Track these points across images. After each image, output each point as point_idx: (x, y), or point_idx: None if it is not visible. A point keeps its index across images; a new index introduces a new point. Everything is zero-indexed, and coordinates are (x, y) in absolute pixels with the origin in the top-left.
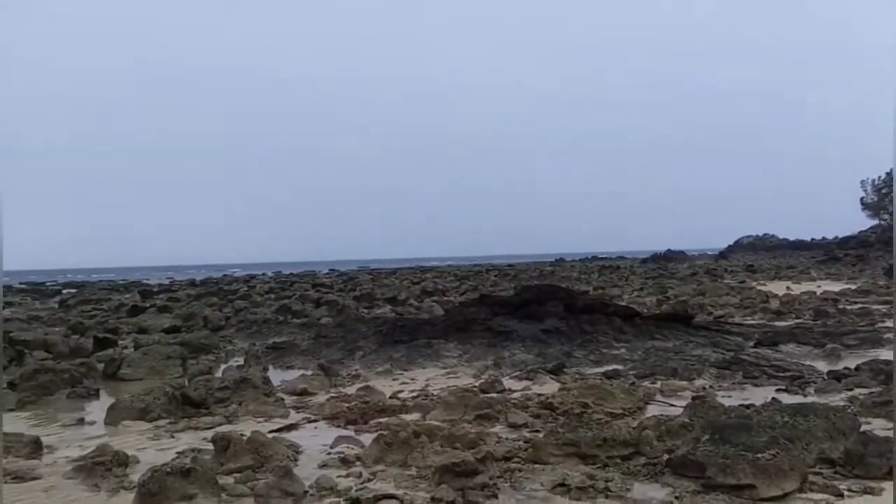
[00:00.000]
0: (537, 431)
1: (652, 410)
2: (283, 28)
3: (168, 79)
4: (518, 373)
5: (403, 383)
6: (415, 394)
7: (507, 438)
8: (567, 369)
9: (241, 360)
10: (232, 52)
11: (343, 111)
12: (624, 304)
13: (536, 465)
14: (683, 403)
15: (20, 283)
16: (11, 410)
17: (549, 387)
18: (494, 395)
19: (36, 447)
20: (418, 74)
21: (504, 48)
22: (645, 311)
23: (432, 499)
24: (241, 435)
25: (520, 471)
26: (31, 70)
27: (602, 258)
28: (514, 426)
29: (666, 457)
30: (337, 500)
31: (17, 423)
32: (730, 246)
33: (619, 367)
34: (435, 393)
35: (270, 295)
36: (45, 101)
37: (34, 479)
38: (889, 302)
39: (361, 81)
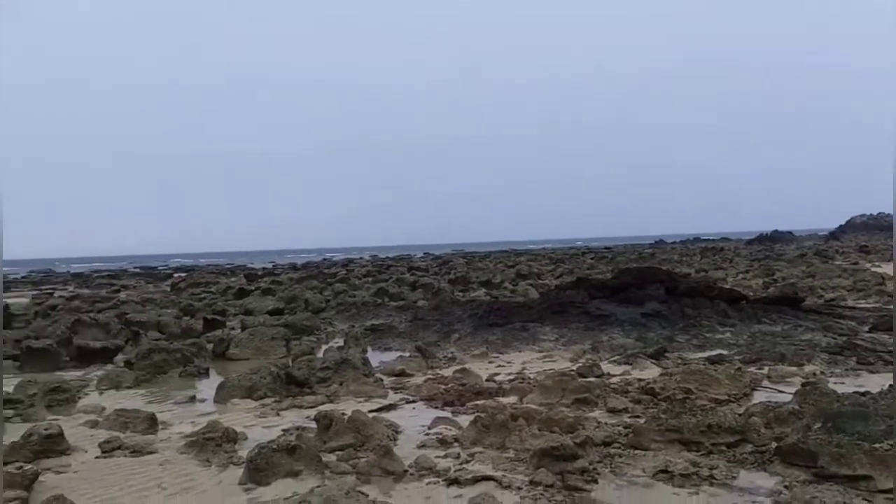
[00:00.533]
0: (638, 417)
1: (759, 397)
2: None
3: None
4: (617, 357)
5: (499, 366)
6: (511, 377)
7: (606, 423)
8: (668, 354)
9: (340, 342)
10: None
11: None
12: (728, 287)
13: (637, 451)
14: (793, 390)
15: (134, 267)
16: (129, 388)
17: (649, 372)
18: (593, 379)
19: (152, 423)
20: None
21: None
22: (751, 294)
23: (531, 482)
24: (343, 414)
25: (620, 456)
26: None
27: (704, 240)
28: (613, 411)
29: (774, 445)
30: (436, 480)
31: (135, 399)
32: (841, 226)
33: (724, 351)
34: (531, 376)
35: (368, 278)
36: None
37: (150, 453)
38: None
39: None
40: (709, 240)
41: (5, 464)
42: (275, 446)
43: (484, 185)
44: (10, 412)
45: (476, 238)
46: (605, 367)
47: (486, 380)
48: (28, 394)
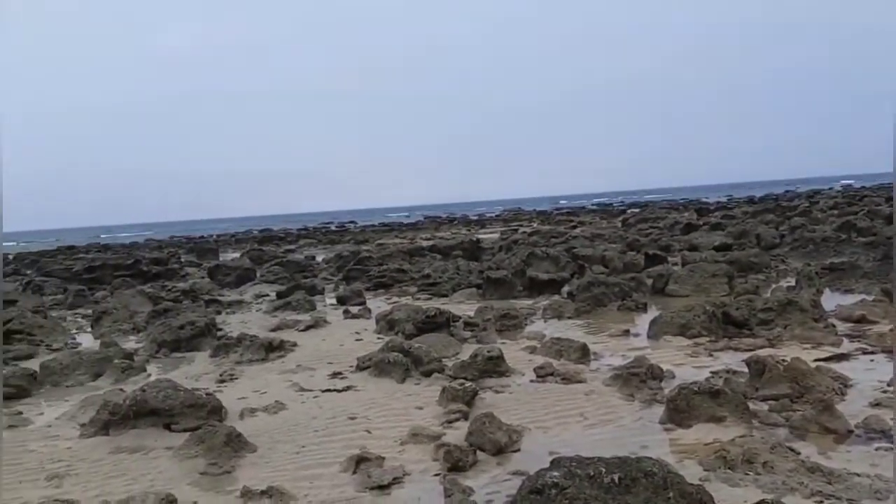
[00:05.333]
0: None
1: None
2: None
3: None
4: None
5: None
6: None
7: None
8: None
9: (791, 281)
10: None
11: None
12: None
13: None
14: None
15: (592, 205)
16: (569, 318)
17: None
18: None
19: (584, 353)
20: None
21: None
22: None
23: None
24: (781, 361)
25: None
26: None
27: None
28: None
29: None
30: (888, 445)
31: (573, 329)
32: None
33: None
34: None
35: (833, 211)
36: None
37: (579, 382)
38: None
39: None
40: None
41: (454, 378)
42: (696, 388)
43: None
44: (467, 333)
45: None
46: None
47: None
48: (483, 318)
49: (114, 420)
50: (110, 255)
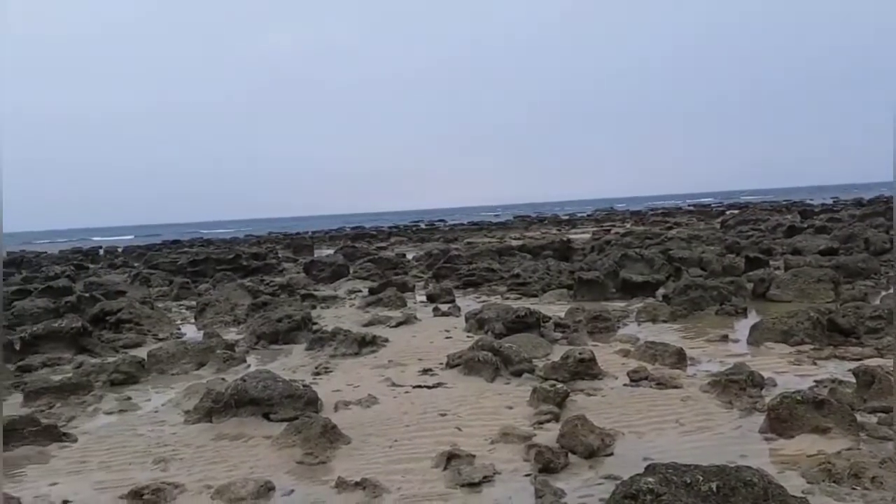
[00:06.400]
0: None
1: None
2: None
3: None
4: None
5: None
6: None
7: None
8: None
9: None
10: None
11: None
12: None
13: None
14: None
15: (688, 205)
16: (664, 322)
17: None
18: None
19: (680, 358)
20: None
21: None
22: None
23: None
24: (890, 371)
25: None
26: None
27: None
28: None
29: None
30: None
31: (668, 333)
32: None
33: None
34: None
35: None
36: None
37: (674, 387)
38: None
39: None
40: None
41: (545, 380)
42: (799, 397)
43: None
44: (558, 334)
45: None
46: None
47: None
48: (575, 319)
49: (216, 408)
50: (212, 249)
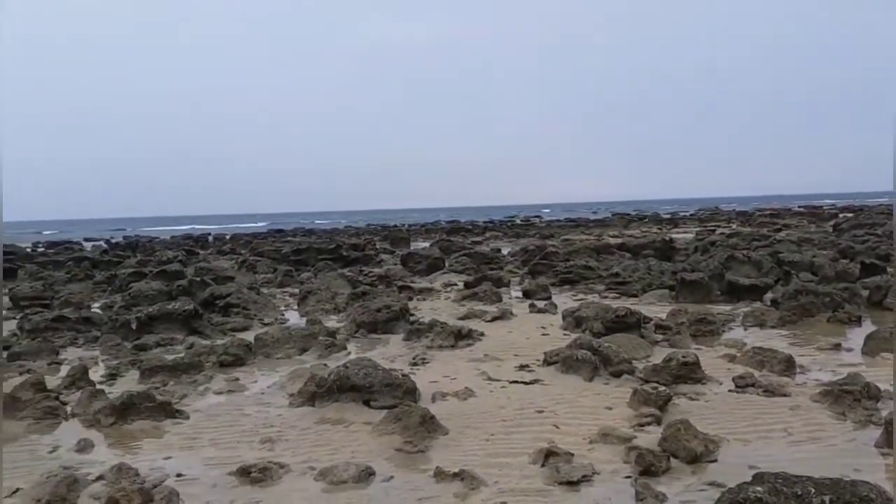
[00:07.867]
0: None
1: None
2: None
3: None
4: None
5: None
6: None
7: None
8: None
9: None
10: None
11: None
12: None
13: None
14: None
15: (799, 206)
16: (772, 327)
17: None
18: None
19: (789, 365)
20: None
21: None
22: None
23: None
24: None
25: None
26: None
27: None
28: None
29: None
30: None
31: (777, 339)
32: None
33: None
34: None
35: None
36: None
37: (782, 395)
38: None
39: None
40: None
41: (645, 382)
42: None
43: None
44: (658, 336)
45: None
46: None
47: None
48: (677, 321)
49: (319, 392)
50: (314, 239)
